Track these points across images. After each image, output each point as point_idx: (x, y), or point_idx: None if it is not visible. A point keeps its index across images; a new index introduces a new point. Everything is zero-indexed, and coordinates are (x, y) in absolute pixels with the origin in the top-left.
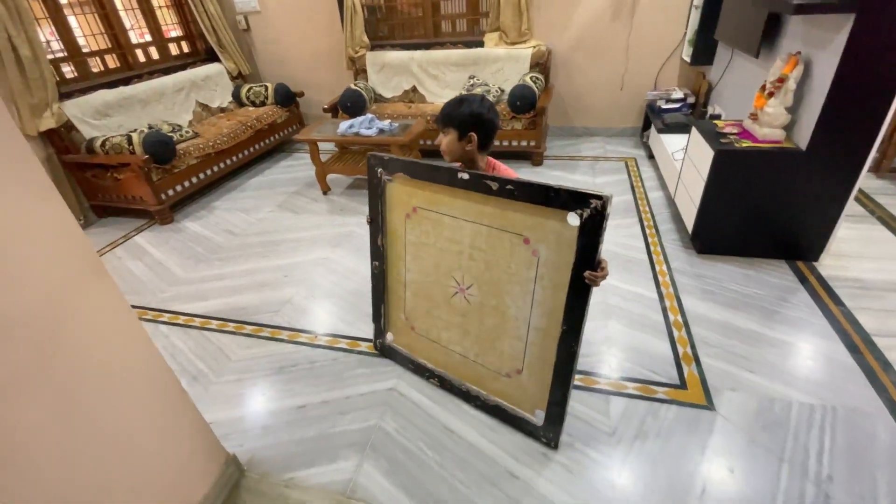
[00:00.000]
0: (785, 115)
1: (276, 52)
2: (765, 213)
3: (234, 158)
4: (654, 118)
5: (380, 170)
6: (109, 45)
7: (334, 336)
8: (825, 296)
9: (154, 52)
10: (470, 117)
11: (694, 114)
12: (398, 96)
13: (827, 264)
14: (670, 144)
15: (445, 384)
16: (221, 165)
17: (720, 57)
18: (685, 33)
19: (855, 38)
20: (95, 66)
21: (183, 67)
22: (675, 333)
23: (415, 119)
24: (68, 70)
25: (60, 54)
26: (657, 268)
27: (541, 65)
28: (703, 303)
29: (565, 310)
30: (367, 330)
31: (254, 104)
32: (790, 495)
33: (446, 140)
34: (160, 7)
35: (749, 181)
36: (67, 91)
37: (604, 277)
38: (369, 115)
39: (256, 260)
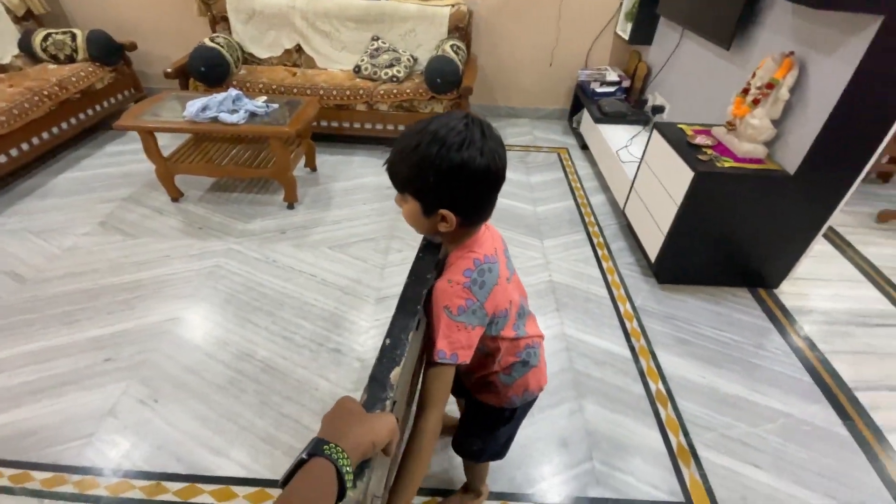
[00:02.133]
0: (771, 129)
1: None
2: (734, 241)
3: (24, 147)
4: (587, 102)
5: None
6: None
7: (191, 480)
8: (798, 339)
9: None
10: (439, 184)
11: (629, 100)
12: (277, 58)
13: (787, 291)
14: (611, 139)
15: None
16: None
17: (663, 37)
18: (621, 3)
19: (879, 46)
20: None
21: None
22: (663, 413)
23: (304, 96)
24: None
25: None
26: (621, 308)
27: (461, 29)
28: (682, 360)
29: None
30: (248, 462)
31: (56, 60)
32: None
33: (406, 210)
34: None
35: (726, 206)
36: None
37: None
38: (234, 92)
39: (58, 330)
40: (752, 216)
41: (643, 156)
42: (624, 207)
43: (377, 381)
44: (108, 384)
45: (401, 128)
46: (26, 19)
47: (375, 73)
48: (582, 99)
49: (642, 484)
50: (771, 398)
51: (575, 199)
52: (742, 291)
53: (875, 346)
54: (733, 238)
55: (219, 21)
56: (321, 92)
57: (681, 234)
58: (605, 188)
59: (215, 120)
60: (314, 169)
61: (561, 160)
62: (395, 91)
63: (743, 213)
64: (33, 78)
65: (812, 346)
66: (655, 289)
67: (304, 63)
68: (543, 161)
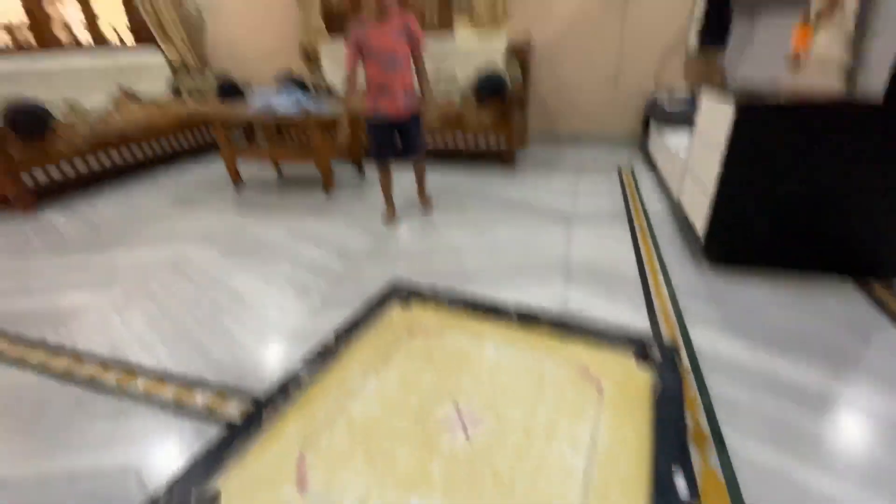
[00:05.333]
0: (843, 51)
1: (228, 43)
2: (813, 204)
3: (145, 153)
4: (657, 120)
5: None
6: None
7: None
8: None
9: (82, 31)
10: None
11: None
12: None
13: None
14: (674, 140)
15: None
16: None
17: (737, 35)
18: (692, 14)
19: None
20: None
21: (113, 50)
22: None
23: None
24: None
25: None
26: (652, 287)
27: (519, 55)
28: (731, 340)
29: None
30: (199, 362)
31: (194, 97)
32: None
33: None
34: None
35: (789, 154)
36: None
37: None
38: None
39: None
40: (831, 166)
41: (695, 127)
42: (678, 197)
43: None
44: (82, 293)
45: None
46: (180, 69)
47: None
48: (651, 118)
49: None
50: (866, 387)
51: (626, 204)
52: (841, 282)
53: None
54: (808, 199)
55: (314, 66)
56: None
57: (730, 193)
58: (667, 198)
59: (269, 108)
60: None
61: (621, 175)
62: None
63: (817, 162)
64: (168, 108)
65: None
66: (706, 273)
67: None
68: (600, 173)
